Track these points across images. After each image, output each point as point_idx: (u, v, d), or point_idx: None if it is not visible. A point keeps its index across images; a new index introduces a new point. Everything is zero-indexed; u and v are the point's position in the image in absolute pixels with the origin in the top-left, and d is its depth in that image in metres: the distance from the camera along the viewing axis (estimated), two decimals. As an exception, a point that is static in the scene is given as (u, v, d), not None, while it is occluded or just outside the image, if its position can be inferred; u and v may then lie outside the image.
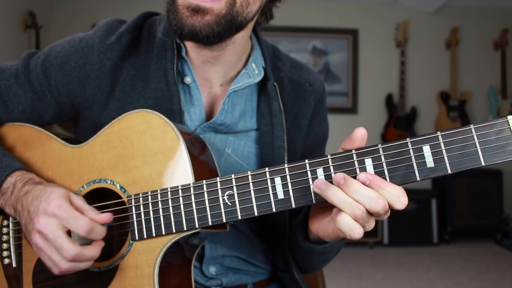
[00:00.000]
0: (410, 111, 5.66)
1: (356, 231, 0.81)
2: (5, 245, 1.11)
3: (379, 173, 0.81)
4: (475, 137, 0.76)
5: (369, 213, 0.81)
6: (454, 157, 0.77)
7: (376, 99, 5.73)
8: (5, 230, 1.11)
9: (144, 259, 0.97)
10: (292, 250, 1.20)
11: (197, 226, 0.93)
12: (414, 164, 0.79)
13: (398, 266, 4.53)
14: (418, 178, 0.79)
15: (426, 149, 0.79)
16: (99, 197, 1.04)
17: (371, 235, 5.04)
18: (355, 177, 0.81)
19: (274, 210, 0.88)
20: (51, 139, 1.12)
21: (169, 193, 0.95)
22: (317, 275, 1.53)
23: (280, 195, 0.87)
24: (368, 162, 0.82)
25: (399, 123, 5.60)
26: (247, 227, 1.22)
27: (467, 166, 0.77)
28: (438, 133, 0.78)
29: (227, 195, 0.91)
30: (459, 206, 5.21)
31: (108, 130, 1.05)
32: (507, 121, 0.75)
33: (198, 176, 0.96)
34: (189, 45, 1.15)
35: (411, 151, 0.80)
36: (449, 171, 0.77)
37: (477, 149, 0.76)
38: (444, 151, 0.78)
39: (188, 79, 1.15)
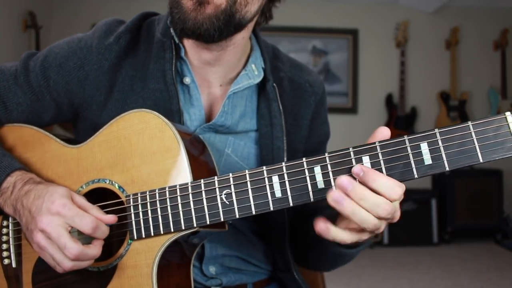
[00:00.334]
0: (410, 111, 5.66)
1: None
2: (4, 246, 1.11)
3: (377, 171, 0.81)
4: (473, 134, 0.76)
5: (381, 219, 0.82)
6: (452, 154, 0.77)
7: (376, 99, 5.73)
8: (4, 230, 1.11)
9: (142, 258, 0.97)
10: (313, 253, 1.19)
11: (195, 225, 0.93)
12: (412, 162, 0.79)
13: (398, 266, 4.53)
14: (416, 176, 0.79)
15: (424, 146, 0.79)
16: (98, 197, 1.04)
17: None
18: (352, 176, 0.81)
19: (272, 208, 0.88)
20: (50, 140, 1.12)
21: (167, 192, 0.96)
22: (317, 275, 1.52)
23: (278, 194, 0.88)
24: (366, 160, 0.82)
25: (399, 123, 5.60)
26: (247, 227, 1.22)
27: (465, 163, 0.77)
28: (436, 130, 0.78)
29: (225, 194, 0.91)
30: (459, 206, 5.21)
31: (107, 130, 1.05)
32: (505, 117, 0.75)
33: (196, 175, 0.96)
34: (188, 45, 1.15)
35: (408, 148, 0.80)
36: (447, 168, 0.77)
37: (475, 146, 0.76)
38: (442, 148, 0.78)
39: (187, 80, 1.15)
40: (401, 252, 4.93)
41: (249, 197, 0.89)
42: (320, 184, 0.85)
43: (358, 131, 5.49)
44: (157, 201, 0.96)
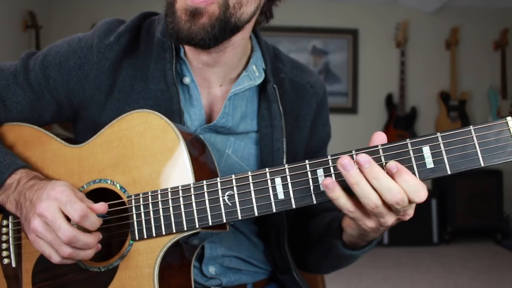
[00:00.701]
0: (410, 111, 5.66)
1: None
2: (4, 245, 1.11)
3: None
4: (474, 138, 0.77)
5: (386, 206, 0.81)
6: (454, 158, 0.78)
7: (376, 99, 5.73)
8: (4, 230, 1.11)
9: (144, 259, 0.97)
10: (314, 255, 1.19)
11: (197, 226, 0.93)
12: (414, 165, 0.80)
13: (398, 266, 4.53)
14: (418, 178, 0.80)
15: (426, 150, 0.79)
16: (99, 197, 1.04)
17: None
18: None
19: (274, 210, 0.88)
20: (51, 139, 1.12)
21: (169, 193, 0.95)
22: (317, 275, 1.52)
23: (281, 196, 0.88)
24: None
25: (399, 123, 5.60)
26: (246, 228, 1.22)
27: (466, 167, 0.77)
28: (438, 134, 0.79)
29: (227, 196, 0.91)
30: (459, 206, 5.21)
31: (108, 130, 1.05)
32: (506, 122, 0.75)
33: (198, 176, 0.96)
34: (187, 47, 1.15)
35: (411, 151, 0.80)
36: (449, 172, 0.78)
37: (476, 150, 0.76)
38: (443, 152, 0.78)
39: (187, 80, 1.15)
40: (401, 252, 4.94)
41: (251, 198, 0.89)
42: (323, 187, 0.84)
43: (358, 131, 5.49)
44: (159, 202, 0.96)
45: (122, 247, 1.00)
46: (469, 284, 4.00)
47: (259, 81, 1.19)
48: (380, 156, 0.81)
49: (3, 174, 1.04)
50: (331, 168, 0.84)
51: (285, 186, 0.87)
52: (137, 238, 0.98)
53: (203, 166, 1.01)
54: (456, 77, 5.69)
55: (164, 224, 0.95)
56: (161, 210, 0.96)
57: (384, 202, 0.81)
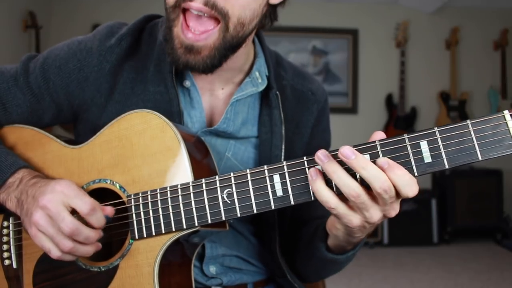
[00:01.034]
0: (410, 111, 5.67)
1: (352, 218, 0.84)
2: (5, 246, 1.11)
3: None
4: (472, 132, 0.77)
5: (370, 196, 0.81)
6: (452, 152, 0.78)
7: (376, 99, 5.73)
8: (5, 231, 1.12)
9: (144, 258, 0.97)
10: (307, 264, 1.18)
11: (196, 224, 0.93)
12: (412, 160, 0.80)
13: (398, 266, 4.53)
14: (416, 173, 0.80)
15: (424, 145, 0.79)
16: (99, 197, 1.04)
17: (371, 235, 5.04)
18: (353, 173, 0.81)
19: (273, 207, 0.88)
20: (51, 141, 1.12)
21: (168, 192, 0.96)
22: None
23: (279, 193, 0.88)
24: (366, 158, 0.81)
25: (399, 123, 5.60)
26: (245, 228, 1.22)
27: (464, 161, 0.77)
28: (436, 128, 0.79)
29: (226, 193, 0.91)
30: (459, 206, 5.21)
31: (108, 130, 1.05)
32: (504, 115, 0.75)
33: (197, 175, 0.96)
34: None
35: (408, 147, 0.80)
36: (447, 166, 0.78)
37: (474, 144, 0.76)
38: (441, 146, 0.78)
39: (187, 83, 1.15)
40: (401, 252, 4.93)
41: (250, 196, 0.90)
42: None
43: (358, 131, 5.49)
44: (159, 201, 0.96)
45: (122, 247, 1.00)
46: (469, 284, 4.00)
47: (262, 87, 1.19)
48: (378, 151, 0.81)
49: (5, 173, 1.04)
50: None
51: (283, 183, 0.87)
52: (137, 237, 0.98)
53: (203, 166, 1.01)
54: (456, 77, 5.69)
55: (164, 223, 0.95)
56: (160, 209, 0.96)
57: (369, 192, 0.81)
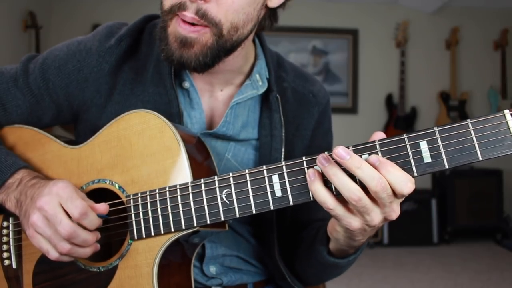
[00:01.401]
0: (410, 111, 5.67)
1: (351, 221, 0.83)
2: (5, 246, 1.11)
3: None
4: (472, 131, 0.76)
5: (371, 198, 0.80)
6: (451, 152, 0.77)
7: (376, 99, 5.73)
8: (5, 231, 1.11)
9: (143, 258, 0.97)
10: (307, 267, 1.17)
11: (195, 224, 0.93)
12: (412, 160, 0.79)
13: (398, 266, 4.53)
14: (415, 173, 0.79)
15: (423, 145, 0.79)
16: (98, 197, 1.04)
17: (371, 235, 5.03)
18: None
19: (272, 207, 0.88)
20: (50, 141, 1.12)
21: (167, 192, 0.96)
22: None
23: (278, 193, 0.87)
24: (365, 158, 0.81)
25: (399, 123, 5.60)
26: (245, 229, 1.22)
27: (464, 161, 0.77)
28: (435, 128, 0.78)
29: (225, 194, 0.91)
30: (459, 206, 5.21)
31: (107, 130, 1.05)
32: (504, 115, 0.75)
33: (196, 175, 0.96)
34: None
35: (408, 146, 0.79)
36: (447, 166, 0.77)
37: (474, 144, 0.76)
38: (441, 146, 0.78)
39: (186, 84, 1.15)
40: (401, 252, 4.93)
41: (249, 196, 0.89)
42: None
43: (358, 131, 5.49)
44: (157, 201, 0.96)
45: (121, 247, 1.00)
46: (469, 284, 4.00)
47: (262, 90, 1.18)
48: (377, 151, 0.81)
49: (5, 173, 1.04)
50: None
51: (282, 183, 0.87)
52: (136, 237, 0.98)
53: (202, 166, 1.01)
54: (456, 77, 5.69)
55: (163, 223, 0.95)
56: (159, 209, 0.96)
57: (368, 195, 0.80)
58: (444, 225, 5.24)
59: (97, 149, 1.05)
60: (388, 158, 0.80)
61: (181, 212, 0.94)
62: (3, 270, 1.11)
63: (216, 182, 0.92)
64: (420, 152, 0.79)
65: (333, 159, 0.81)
